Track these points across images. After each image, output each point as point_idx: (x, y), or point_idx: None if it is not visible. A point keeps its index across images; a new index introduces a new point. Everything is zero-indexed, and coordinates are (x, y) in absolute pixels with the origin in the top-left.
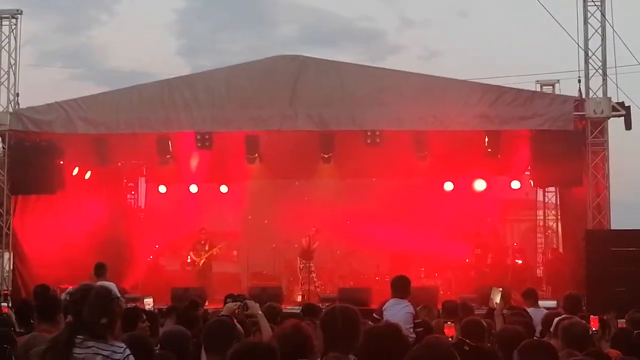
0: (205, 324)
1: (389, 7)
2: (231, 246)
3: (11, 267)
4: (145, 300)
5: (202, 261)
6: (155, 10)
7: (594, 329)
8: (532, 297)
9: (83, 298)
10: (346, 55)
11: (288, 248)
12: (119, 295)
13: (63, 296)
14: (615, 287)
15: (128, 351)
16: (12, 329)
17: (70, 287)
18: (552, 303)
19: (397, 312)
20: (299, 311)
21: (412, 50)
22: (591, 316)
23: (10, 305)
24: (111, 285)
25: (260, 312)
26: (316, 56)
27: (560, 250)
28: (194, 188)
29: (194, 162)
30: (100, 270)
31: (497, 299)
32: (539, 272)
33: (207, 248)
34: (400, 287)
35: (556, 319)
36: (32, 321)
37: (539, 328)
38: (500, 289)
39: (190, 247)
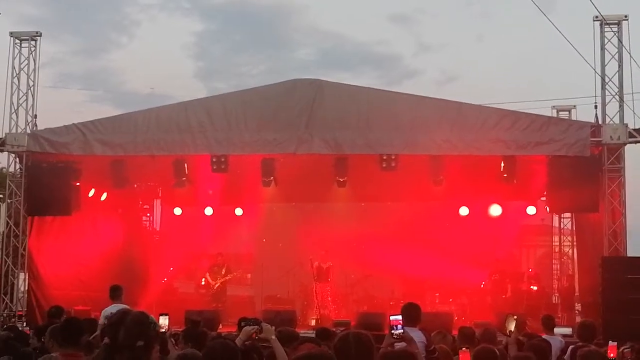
0: (209, 344)
1: (405, 31)
2: (243, 269)
3: (26, 288)
4: (161, 317)
5: (217, 284)
6: (173, 33)
7: (611, 355)
8: (548, 324)
9: (120, 321)
10: (363, 79)
11: (302, 271)
12: (155, 320)
13: (101, 321)
14: (631, 314)
15: None
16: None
17: (82, 308)
18: (567, 330)
19: None
20: (312, 335)
21: (429, 75)
22: (610, 343)
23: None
24: (126, 308)
25: (274, 337)
26: (333, 80)
27: (576, 276)
28: (209, 210)
29: (209, 185)
30: (115, 292)
31: (512, 326)
32: (554, 298)
33: (223, 272)
34: (411, 315)
35: (571, 347)
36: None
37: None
38: (515, 316)
39: (207, 269)
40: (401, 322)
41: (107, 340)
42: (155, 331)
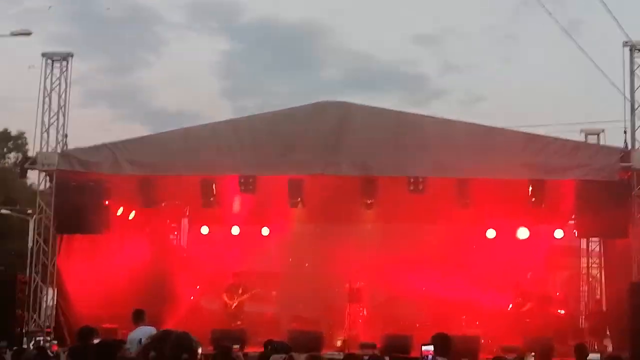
0: None
1: (432, 51)
2: (269, 287)
3: (54, 304)
4: None
5: (234, 304)
6: (200, 51)
7: None
8: (581, 353)
9: (166, 336)
10: (389, 99)
11: (328, 292)
12: (197, 340)
13: (128, 345)
14: None
15: None
16: None
17: (110, 326)
18: (596, 356)
19: None
20: (338, 357)
21: (455, 95)
22: None
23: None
24: (152, 329)
25: None
26: (359, 99)
27: (604, 301)
28: (235, 230)
29: (236, 205)
30: (138, 316)
31: None
32: (581, 321)
33: (240, 292)
34: (442, 345)
35: None
36: None
37: None
38: (533, 353)
39: (224, 290)
40: (432, 352)
41: (154, 354)
42: (198, 349)
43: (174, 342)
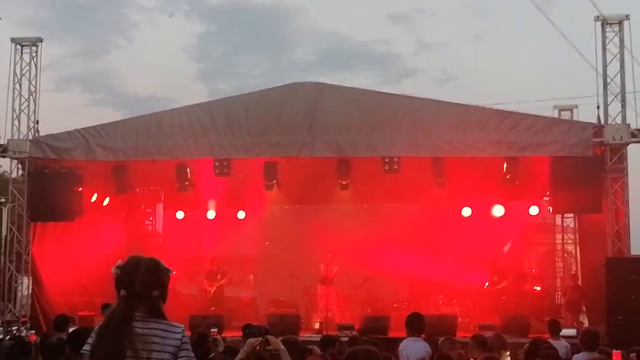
0: None
1: (405, 30)
2: (246, 271)
3: (29, 293)
4: None
5: (213, 290)
6: (173, 34)
7: None
8: (554, 328)
9: (134, 271)
10: (362, 79)
11: (305, 274)
12: (166, 266)
13: (113, 270)
14: (636, 316)
15: (185, 332)
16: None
17: (86, 313)
18: (572, 331)
19: (415, 352)
20: (316, 339)
21: (428, 74)
22: (614, 351)
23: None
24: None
25: (283, 347)
26: (333, 79)
27: (579, 275)
28: (211, 214)
29: (212, 188)
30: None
31: None
32: (557, 297)
33: (219, 277)
34: (415, 325)
35: (575, 357)
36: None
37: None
38: (508, 352)
39: (204, 276)
40: None
41: (124, 292)
42: (168, 277)
43: (143, 277)
